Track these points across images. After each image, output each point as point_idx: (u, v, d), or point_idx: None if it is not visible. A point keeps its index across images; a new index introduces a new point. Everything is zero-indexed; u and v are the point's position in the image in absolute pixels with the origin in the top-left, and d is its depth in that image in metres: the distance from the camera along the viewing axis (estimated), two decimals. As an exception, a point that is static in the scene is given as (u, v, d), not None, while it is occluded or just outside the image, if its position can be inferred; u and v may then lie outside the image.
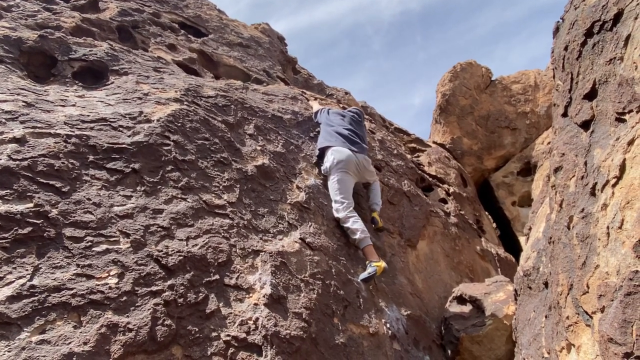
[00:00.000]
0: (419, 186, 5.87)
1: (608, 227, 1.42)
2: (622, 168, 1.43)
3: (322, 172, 3.96)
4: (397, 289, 3.64)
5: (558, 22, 2.35)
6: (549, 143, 8.02)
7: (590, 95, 1.82)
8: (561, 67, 2.13)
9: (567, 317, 1.58)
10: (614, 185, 1.45)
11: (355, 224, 3.51)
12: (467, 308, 3.85)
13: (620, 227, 1.36)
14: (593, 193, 1.57)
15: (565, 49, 2.06)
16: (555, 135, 2.09)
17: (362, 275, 3.23)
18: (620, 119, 1.57)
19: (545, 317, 2.17)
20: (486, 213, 7.73)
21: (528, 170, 8.41)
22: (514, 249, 7.78)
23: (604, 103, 1.70)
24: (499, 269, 5.77)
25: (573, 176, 1.75)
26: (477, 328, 3.54)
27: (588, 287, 1.45)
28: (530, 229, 3.36)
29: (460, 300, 3.97)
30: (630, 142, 1.43)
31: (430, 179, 6.45)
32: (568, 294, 1.59)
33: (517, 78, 9.19)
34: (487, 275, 5.39)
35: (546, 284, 2.34)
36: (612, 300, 1.32)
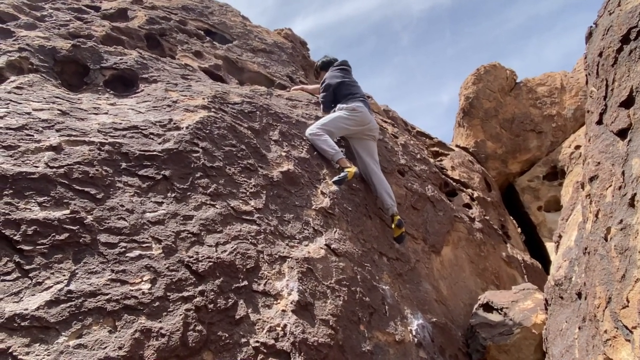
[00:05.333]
0: (442, 191, 5.81)
1: (649, 240, 1.38)
2: (664, 179, 1.39)
3: (336, 109, 4.27)
4: (422, 295, 3.61)
5: (591, 27, 2.30)
6: (576, 147, 7.85)
7: (627, 103, 1.78)
8: (595, 74, 2.09)
9: (605, 331, 1.55)
10: (654, 197, 1.41)
11: (324, 144, 3.92)
12: (493, 316, 3.79)
13: (662, 240, 1.33)
14: (632, 204, 1.53)
15: (600, 55, 2.02)
16: (590, 142, 2.05)
17: (334, 178, 3.70)
18: (660, 128, 1.52)
19: (579, 328, 2.12)
20: (511, 218, 7.60)
21: (554, 174, 8.24)
22: (540, 255, 7.62)
23: (642, 111, 1.66)
24: (525, 276, 5.66)
25: (610, 186, 1.71)
26: (504, 337, 3.48)
27: (628, 301, 1.41)
28: (560, 236, 3.29)
29: (487, 307, 3.91)
30: (672, 153, 1.39)
31: (454, 183, 6.38)
32: (606, 307, 1.56)
33: (543, 80, 9.02)
34: (513, 282, 5.29)
35: (579, 295, 2.28)
36: (654, 316, 1.29)
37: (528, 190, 8.29)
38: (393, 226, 3.91)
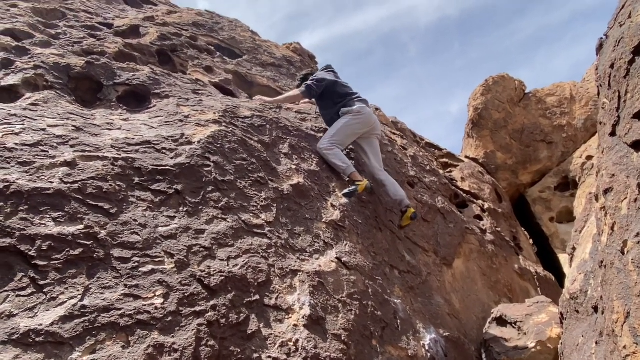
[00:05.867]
0: (453, 202, 5.78)
1: (667, 253, 1.36)
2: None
3: (340, 114, 4.18)
4: (435, 309, 3.57)
5: (601, 38, 2.30)
6: (587, 157, 7.77)
7: (641, 115, 1.77)
8: (607, 85, 2.08)
9: (624, 347, 1.52)
10: (672, 209, 1.39)
11: (335, 158, 3.91)
12: (507, 330, 3.73)
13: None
14: (649, 217, 1.51)
15: (612, 66, 2.01)
16: (603, 154, 2.03)
17: (345, 190, 3.69)
18: (675, 140, 1.51)
19: (596, 343, 2.08)
20: (523, 229, 7.52)
21: (566, 185, 8.16)
22: (553, 266, 7.52)
23: (657, 122, 1.64)
24: (538, 289, 5.58)
25: (625, 198, 1.69)
26: (519, 351, 3.42)
27: (647, 316, 1.39)
28: (574, 248, 3.25)
29: (500, 321, 3.86)
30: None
31: (464, 194, 6.35)
32: (625, 322, 1.53)
33: (552, 90, 8.99)
34: (526, 294, 5.22)
35: (595, 309, 2.24)
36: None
37: (539, 201, 8.21)
38: (404, 216, 3.99)
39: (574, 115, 8.55)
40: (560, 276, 6.98)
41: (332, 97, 4.24)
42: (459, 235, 4.86)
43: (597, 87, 2.28)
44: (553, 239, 7.77)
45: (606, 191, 1.85)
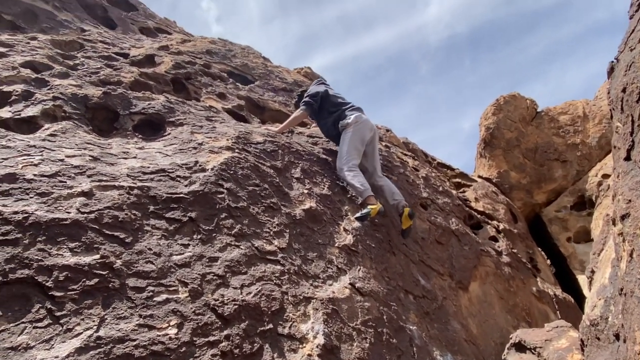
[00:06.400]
0: (467, 224, 5.72)
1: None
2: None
3: (340, 127, 4.27)
4: (451, 335, 3.50)
5: (612, 62, 2.30)
6: (603, 176, 7.66)
7: (656, 139, 1.75)
8: (620, 109, 2.07)
9: (649, 380, 1.47)
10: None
11: (355, 180, 3.90)
12: (526, 356, 3.63)
13: None
14: (668, 244, 1.48)
15: (623, 90, 2.00)
16: (619, 179, 2.01)
17: (357, 214, 3.67)
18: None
19: (619, 373, 2.01)
20: (540, 250, 7.39)
21: (582, 204, 8.03)
22: (572, 288, 7.34)
23: (672, 147, 1.62)
24: (557, 312, 5.45)
25: (643, 224, 1.66)
26: (539, 379, 3.32)
27: (671, 348, 1.34)
28: (592, 272, 3.18)
29: (519, 347, 3.75)
30: None
31: (479, 215, 6.28)
32: (648, 354, 1.48)
33: (565, 109, 8.94)
34: (545, 318, 5.09)
35: (617, 336, 2.18)
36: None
37: (556, 221, 8.08)
38: (403, 218, 3.98)
39: (588, 133, 8.47)
40: (579, 298, 6.80)
41: (327, 107, 4.43)
42: (474, 257, 4.79)
43: (610, 110, 2.27)
44: (571, 259, 7.61)
45: (623, 217, 1.82)
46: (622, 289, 1.84)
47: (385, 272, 3.48)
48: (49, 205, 2.23)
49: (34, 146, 2.68)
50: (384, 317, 2.93)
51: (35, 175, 2.37)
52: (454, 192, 6.52)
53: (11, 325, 1.72)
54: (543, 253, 7.62)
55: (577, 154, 8.40)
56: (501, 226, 6.30)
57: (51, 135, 2.95)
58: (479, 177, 8.57)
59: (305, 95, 4.58)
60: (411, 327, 3.09)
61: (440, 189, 5.88)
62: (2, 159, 2.43)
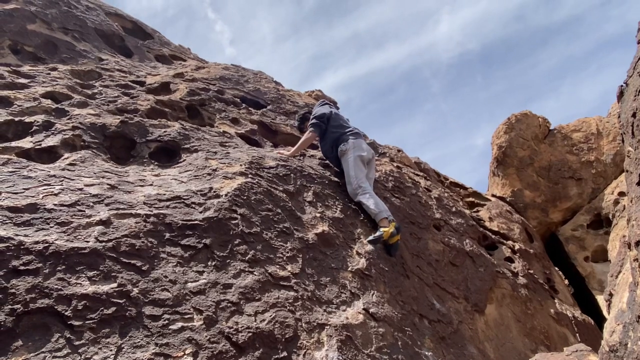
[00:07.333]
0: (481, 244, 5.66)
1: None
2: None
3: (339, 152, 4.36)
4: (468, 360, 3.44)
5: (622, 86, 2.31)
6: (619, 193, 7.55)
7: (668, 164, 1.75)
8: (630, 133, 2.07)
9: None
10: None
11: (370, 202, 3.95)
12: (546, 382, 3.55)
13: None
14: (685, 272, 1.46)
15: (634, 115, 2.01)
16: (632, 204, 2.00)
17: (370, 237, 3.72)
18: None
19: (642, 402, 1.96)
20: (557, 270, 7.25)
21: (599, 222, 7.90)
22: (591, 308, 7.17)
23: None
24: (577, 334, 5.32)
25: (659, 251, 1.65)
26: (560, 406, 3.24)
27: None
28: (610, 294, 3.12)
29: (538, 372, 3.67)
30: None
31: (493, 235, 6.21)
32: (669, 386, 1.45)
33: (578, 126, 8.88)
34: (564, 341, 4.98)
35: (638, 363, 2.13)
36: None
37: (573, 240, 7.95)
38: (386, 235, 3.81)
39: (602, 150, 8.39)
40: (599, 319, 6.63)
41: (329, 129, 4.55)
42: (489, 279, 4.73)
43: (621, 134, 2.27)
44: (589, 279, 7.45)
45: (638, 243, 1.81)
46: (639, 317, 1.82)
47: (399, 296, 3.46)
48: (68, 235, 2.28)
49: (54, 176, 2.76)
50: (399, 342, 2.91)
51: (55, 204, 2.44)
52: (467, 211, 6.48)
53: (31, 355, 1.76)
54: (560, 273, 7.48)
55: (592, 171, 8.31)
56: (517, 246, 6.22)
57: (70, 164, 3.03)
58: (493, 195, 8.50)
59: (311, 117, 4.69)
60: (427, 353, 3.06)
61: (454, 209, 5.85)
62: (24, 189, 2.51)
